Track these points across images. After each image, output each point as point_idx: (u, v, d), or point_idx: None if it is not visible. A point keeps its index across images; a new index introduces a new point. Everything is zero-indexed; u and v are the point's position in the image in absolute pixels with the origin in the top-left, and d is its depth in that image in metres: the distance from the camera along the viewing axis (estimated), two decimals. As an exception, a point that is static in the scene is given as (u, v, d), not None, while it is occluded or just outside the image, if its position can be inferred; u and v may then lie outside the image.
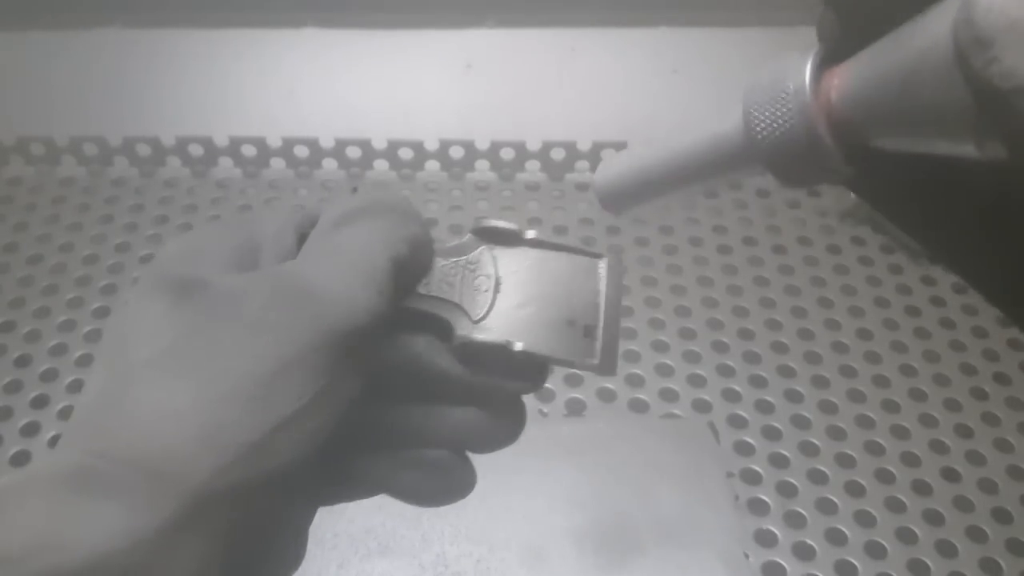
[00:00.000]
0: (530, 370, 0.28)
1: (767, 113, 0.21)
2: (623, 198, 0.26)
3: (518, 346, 0.27)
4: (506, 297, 0.28)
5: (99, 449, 0.22)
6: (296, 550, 0.26)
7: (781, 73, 0.21)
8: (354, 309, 0.24)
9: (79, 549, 0.20)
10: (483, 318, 0.27)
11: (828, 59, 0.21)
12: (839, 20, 0.21)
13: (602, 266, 0.29)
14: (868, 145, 0.20)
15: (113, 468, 0.21)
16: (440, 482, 0.27)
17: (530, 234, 0.29)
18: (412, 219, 0.26)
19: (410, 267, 0.26)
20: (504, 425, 0.28)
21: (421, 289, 0.27)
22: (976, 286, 0.21)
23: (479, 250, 0.28)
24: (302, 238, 0.27)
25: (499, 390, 0.27)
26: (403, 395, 0.27)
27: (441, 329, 0.27)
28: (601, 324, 0.28)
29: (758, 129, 0.21)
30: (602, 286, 0.29)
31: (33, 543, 0.20)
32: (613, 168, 0.26)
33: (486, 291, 0.28)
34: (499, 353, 0.27)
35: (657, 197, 0.25)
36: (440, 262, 0.28)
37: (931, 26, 0.17)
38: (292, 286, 0.24)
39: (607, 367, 0.28)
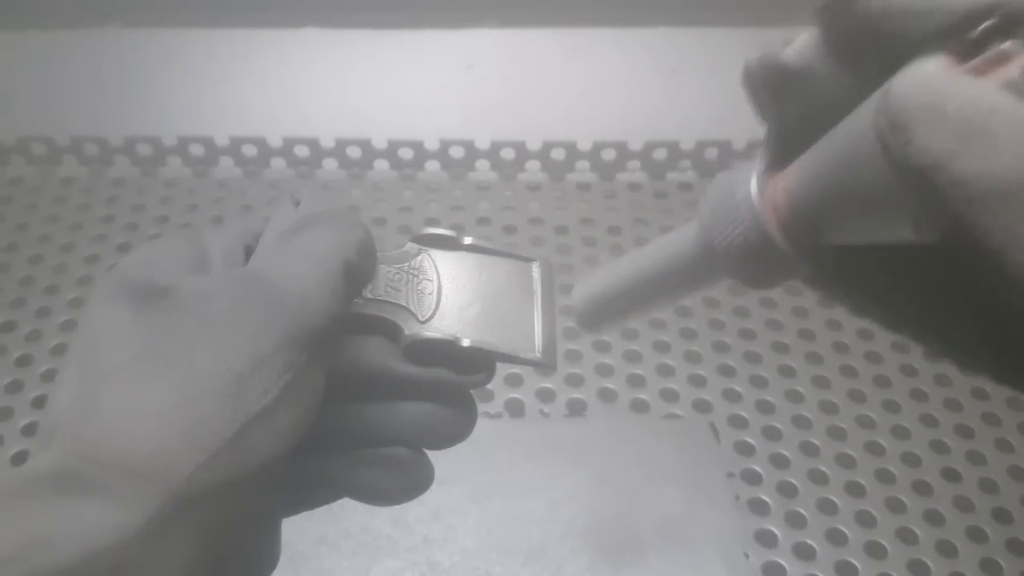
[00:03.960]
0: (478, 365, 0.29)
1: (720, 224, 0.22)
2: (601, 318, 0.28)
3: (465, 342, 0.28)
4: (449, 299, 0.29)
5: (81, 451, 0.22)
6: (273, 550, 0.27)
7: (729, 184, 0.22)
8: (313, 308, 0.25)
9: (68, 548, 0.20)
10: (429, 318, 0.29)
11: (774, 164, 0.22)
12: (780, 131, 0.22)
13: (535, 269, 0.31)
14: (821, 241, 0.21)
15: (96, 468, 0.22)
16: (398, 479, 0.28)
17: (467, 240, 0.31)
18: (358, 227, 0.28)
19: (359, 271, 0.27)
20: (457, 419, 0.29)
21: (368, 294, 0.28)
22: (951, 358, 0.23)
23: (420, 256, 0.30)
24: (248, 250, 0.28)
25: (450, 385, 0.28)
26: (356, 396, 0.28)
27: (390, 331, 0.28)
28: (539, 322, 0.30)
29: (715, 241, 0.23)
30: (537, 287, 0.31)
31: (21, 544, 0.20)
32: (588, 290, 0.28)
33: (430, 294, 0.29)
34: (447, 349, 0.28)
35: (632, 313, 0.27)
36: (385, 269, 0.29)
37: (858, 121, 0.19)
38: (256, 286, 0.25)
39: (548, 361, 0.30)
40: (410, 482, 0.28)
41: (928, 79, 0.17)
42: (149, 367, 0.23)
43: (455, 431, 0.29)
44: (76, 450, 0.22)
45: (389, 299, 0.29)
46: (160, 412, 0.23)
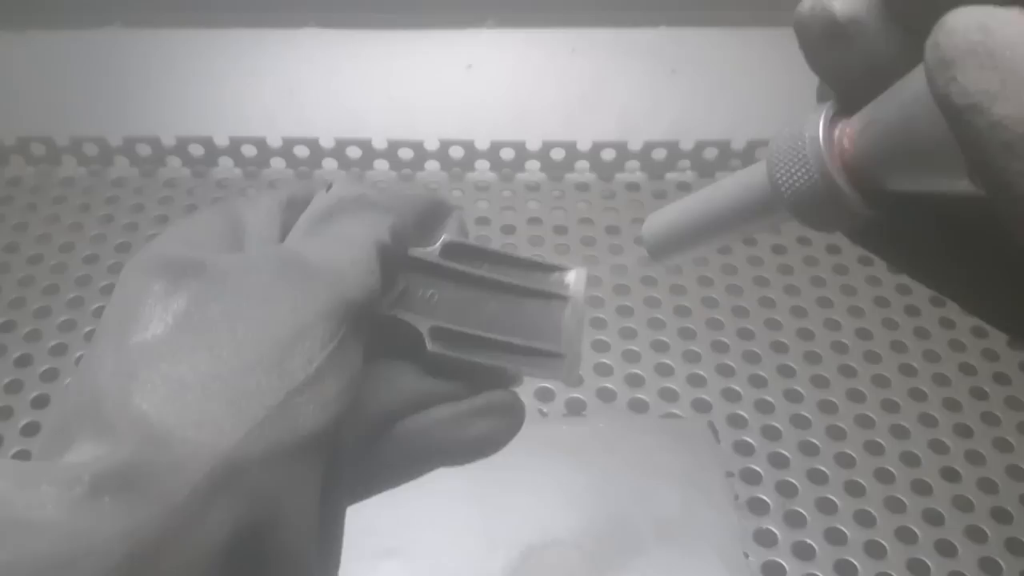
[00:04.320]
0: (500, 380, 0.29)
1: (787, 165, 0.23)
2: (668, 249, 0.28)
3: (491, 360, 0.28)
4: (475, 305, 0.29)
5: (123, 427, 0.22)
6: (331, 535, 0.26)
7: (798, 126, 0.22)
8: (349, 284, 0.25)
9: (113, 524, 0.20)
10: (454, 330, 0.28)
11: (842, 110, 0.22)
12: (841, 79, 0.22)
13: (568, 277, 0.30)
14: (885, 188, 0.21)
15: (139, 441, 0.21)
16: (509, 422, 0.28)
17: (497, 248, 0.30)
18: (390, 213, 0.28)
19: (392, 253, 0.27)
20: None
21: (392, 302, 0.28)
22: (989, 321, 0.23)
23: (448, 265, 0.29)
24: (284, 225, 0.28)
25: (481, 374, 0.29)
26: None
27: (413, 337, 0.28)
28: (566, 333, 0.29)
29: (781, 180, 0.23)
30: (567, 297, 0.30)
31: (54, 552, 0.20)
32: (657, 222, 0.28)
33: (455, 303, 0.29)
34: (471, 365, 0.28)
35: (698, 246, 0.27)
36: (411, 275, 0.29)
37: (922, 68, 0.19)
38: (293, 262, 0.25)
39: (572, 377, 0.29)
40: (517, 422, 0.29)
41: (985, 17, 0.16)
42: (189, 339, 0.23)
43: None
44: (119, 425, 0.22)
45: (413, 308, 0.28)
46: (203, 383, 0.22)
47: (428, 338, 0.28)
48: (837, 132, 0.22)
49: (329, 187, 0.28)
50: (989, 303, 0.22)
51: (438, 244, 0.29)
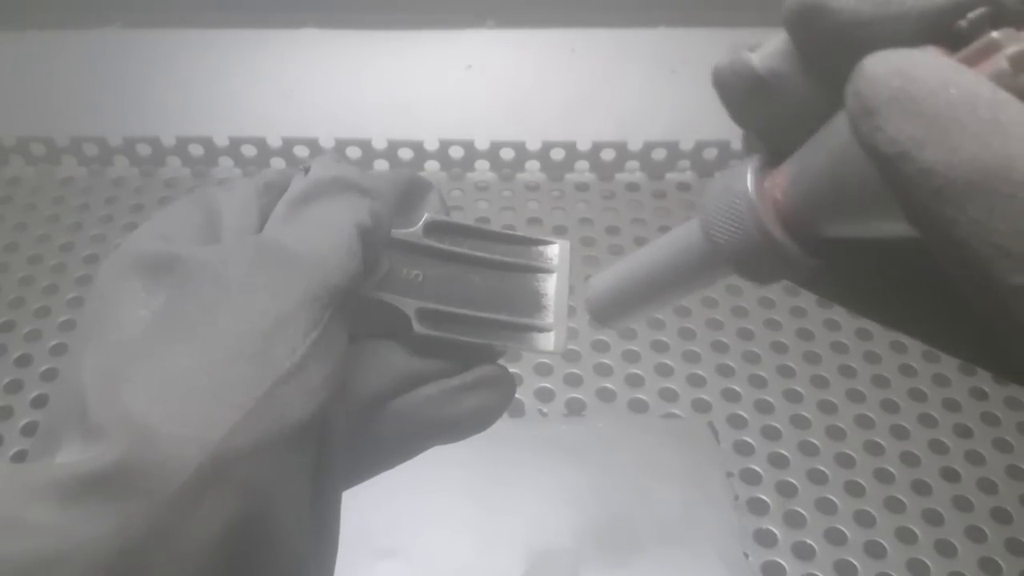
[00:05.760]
0: (488, 356, 0.29)
1: (722, 222, 0.22)
2: (613, 313, 0.28)
3: (478, 337, 0.28)
4: (459, 283, 0.29)
5: (111, 426, 0.21)
6: (326, 519, 0.26)
7: (727, 182, 0.22)
8: (331, 268, 0.24)
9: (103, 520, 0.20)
10: (441, 310, 0.28)
11: (771, 160, 0.22)
12: (767, 130, 0.22)
13: (552, 251, 0.30)
14: (822, 236, 0.21)
15: (128, 440, 0.21)
16: (499, 396, 0.28)
17: (481, 225, 0.30)
18: (370, 193, 0.27)
19: (373, 234, 0.26)
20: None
21: (377, 279, 0.28)
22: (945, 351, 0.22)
23: (432, 243, 0.29)
24: (263, 216, 0.27)
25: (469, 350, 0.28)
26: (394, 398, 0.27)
27: (398, 318, 0.27)
28: (552, 306, 0.29)
29: (717, 237, 0.22)
30: (552, 269, 0.30)
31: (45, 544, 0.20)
32: (598, 288, 0.28)
33: (440, 282, 0.28)
34: (459, 343, 0.28)
35: (643, 309, 0.27)
36: (394, 256, 0.28)
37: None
38: (271, 250, 0.24)
39: (560, 350, 0.29)
40: (507, 396, 0.28)
41: (902, 61, 0.16)
42: (170, 334, 0.23)
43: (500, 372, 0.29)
44: (104, 424, 0.22)
45: (397, 289, 0.28)
46: (186, 377, 0.22)
47: (414, 319, 0.27)
48: (768, 184, 0.21)
49: (307, 170, 0.28)
50: (944, 336, 0.22)
51: (420, 223, 0.29)
